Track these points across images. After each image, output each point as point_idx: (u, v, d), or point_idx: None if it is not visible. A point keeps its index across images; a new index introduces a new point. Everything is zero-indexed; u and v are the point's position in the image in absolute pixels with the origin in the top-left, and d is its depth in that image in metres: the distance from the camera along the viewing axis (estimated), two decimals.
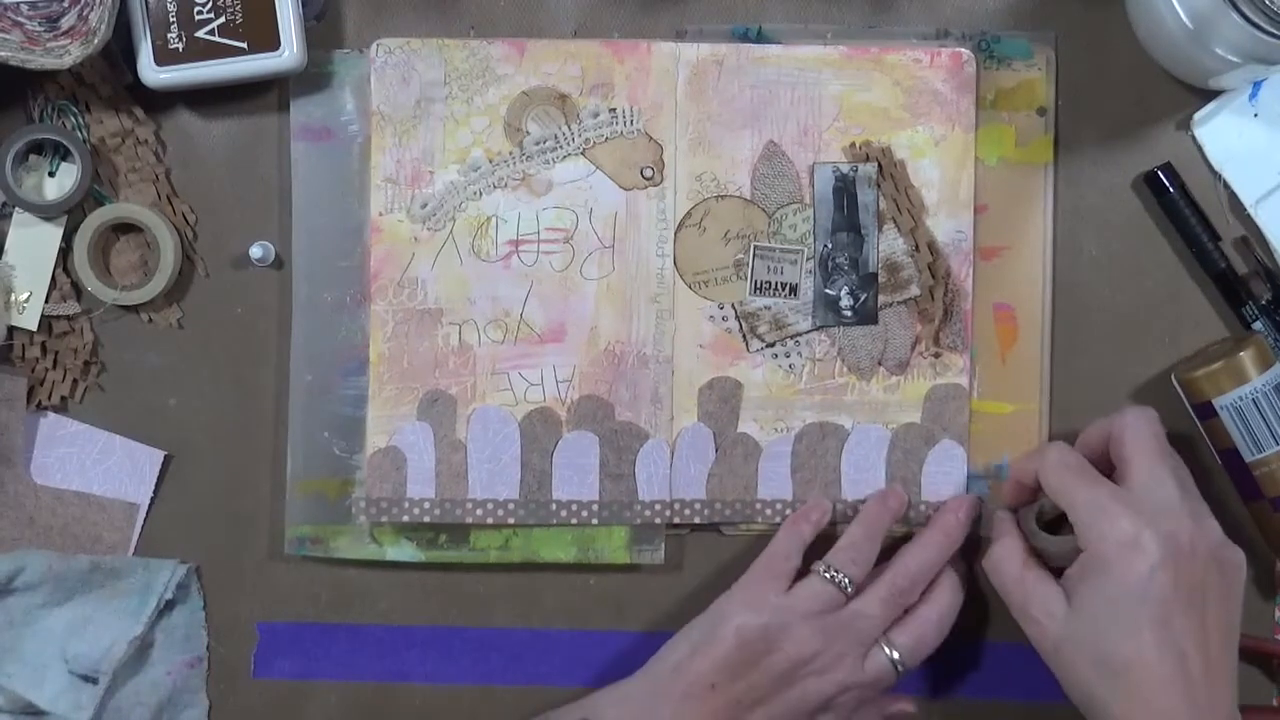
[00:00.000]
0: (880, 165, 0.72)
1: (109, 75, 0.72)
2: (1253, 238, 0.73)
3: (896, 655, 0.68)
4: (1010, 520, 0.70)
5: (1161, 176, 0.73)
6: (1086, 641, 0.64)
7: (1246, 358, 0.70)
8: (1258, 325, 0.73)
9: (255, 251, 0.72)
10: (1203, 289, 0.74)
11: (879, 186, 0.72)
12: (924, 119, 0.72)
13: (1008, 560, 0.68)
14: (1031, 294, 0.73)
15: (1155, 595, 0.62)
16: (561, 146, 0.72)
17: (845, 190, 0.73)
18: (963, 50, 0.72)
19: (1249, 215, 0.73)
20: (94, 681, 0.70)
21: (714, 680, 0.66)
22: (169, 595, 0.72)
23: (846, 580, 0.68)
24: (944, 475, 0.73)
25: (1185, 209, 0.73)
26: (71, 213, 0.72)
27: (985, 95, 0.73)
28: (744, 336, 0.73)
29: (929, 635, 0.69)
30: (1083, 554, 0.64)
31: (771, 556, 0.70)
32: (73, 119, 0.72)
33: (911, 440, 0.73)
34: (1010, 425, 0.73)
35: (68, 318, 0.73)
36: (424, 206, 0.72)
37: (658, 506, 0.72)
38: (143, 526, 0.73)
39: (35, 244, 0.72)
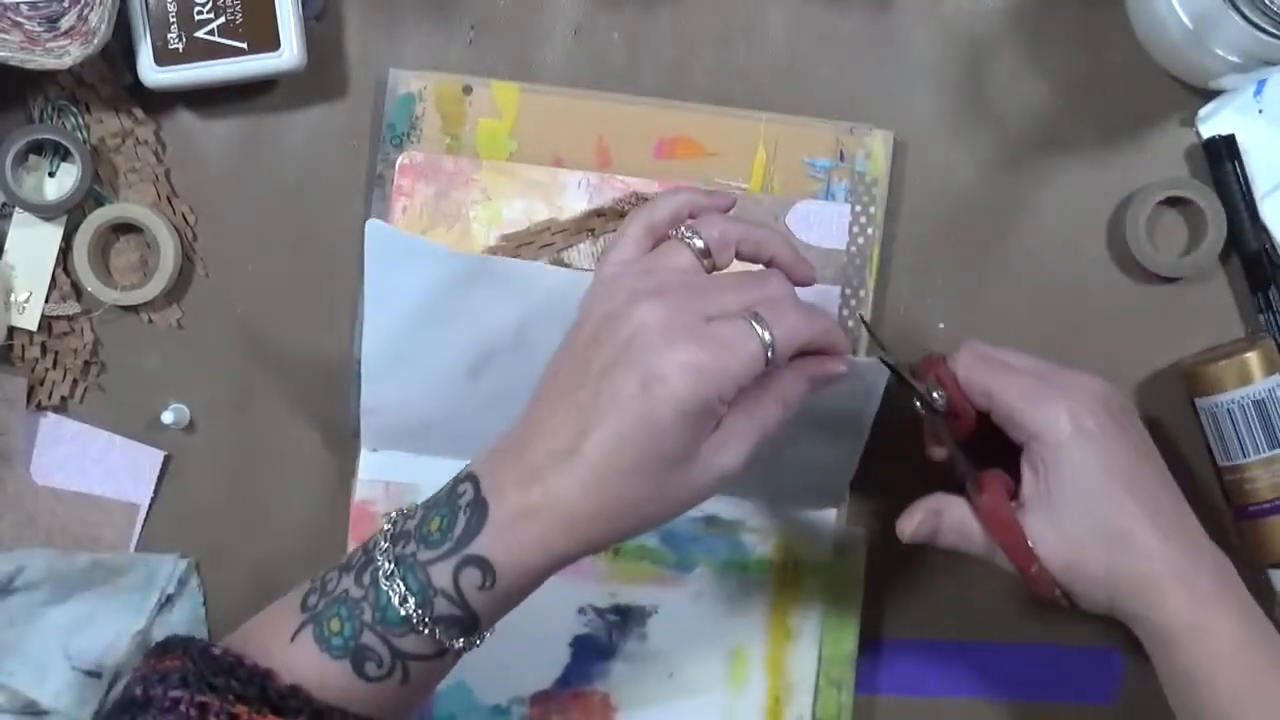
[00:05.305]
0: None
1: (109, 75, 0.72)
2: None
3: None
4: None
5: (1221, 145, 0.72)
6: (1081, 535, 0.61)
7: (1252, 359, 0.70)
8: (1262, 319, 0.72)
9: (167, 417, 0.72)
10: (1204, 292, 0.74)
11: None
12: None
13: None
14: None
15: (1117, 460, 0.61)
16: None
17: None
18: None
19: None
20: (97, 677, 0.70)
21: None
22: (170, 589, 0.72)
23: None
24: None
25: (1236, 183, 0.72)
26: (71, 213, 0.72)
27: None
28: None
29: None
30: (1031, 453, 0.62)
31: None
32: (73, 119, 0.72)
33: None
34: None
35: (68, 318, 0.73)
36: None
37: None
38: (143, 526, 0.73)
39: (35, 244, 0.72)
